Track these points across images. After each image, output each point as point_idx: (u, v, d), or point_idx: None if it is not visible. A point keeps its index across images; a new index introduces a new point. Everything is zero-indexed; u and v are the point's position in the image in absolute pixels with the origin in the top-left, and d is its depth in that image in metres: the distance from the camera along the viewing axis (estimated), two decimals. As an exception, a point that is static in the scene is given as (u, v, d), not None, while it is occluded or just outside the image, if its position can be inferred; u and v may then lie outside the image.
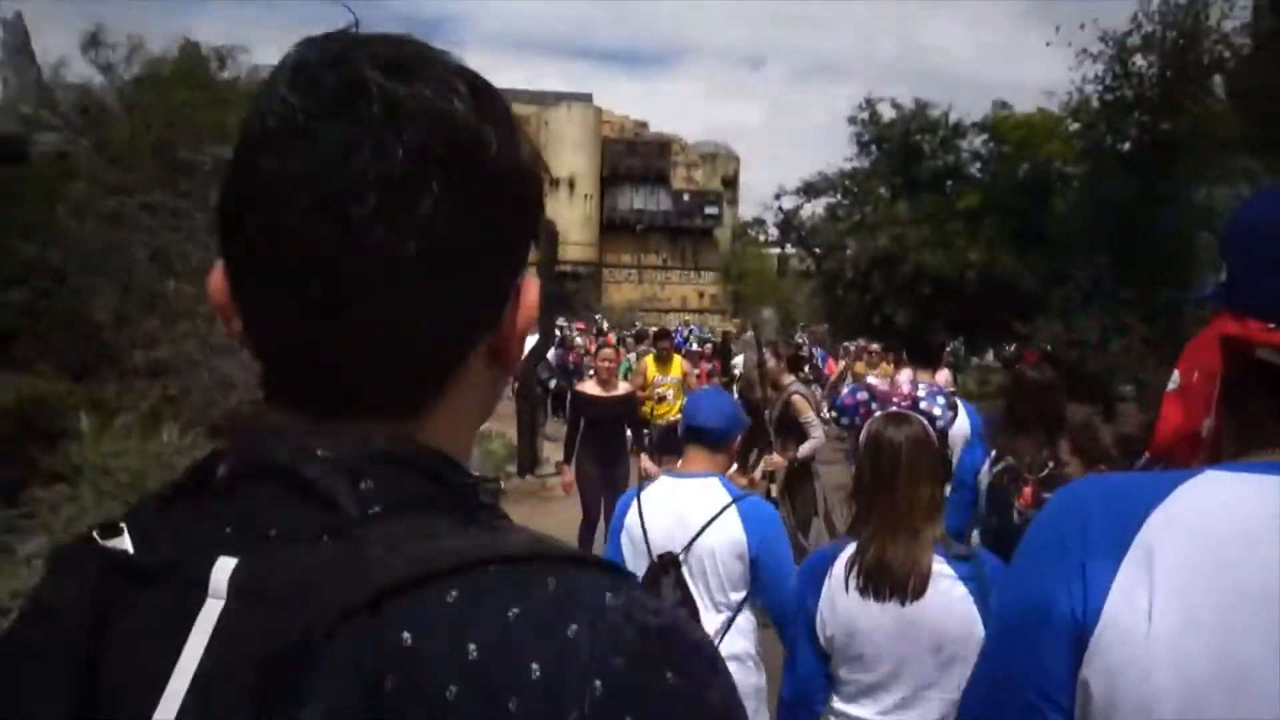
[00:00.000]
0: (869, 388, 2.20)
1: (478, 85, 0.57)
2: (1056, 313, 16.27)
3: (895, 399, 2.13)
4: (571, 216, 34.90)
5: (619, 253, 36.42)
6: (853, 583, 1.94)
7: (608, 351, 7.32)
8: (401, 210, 0.52)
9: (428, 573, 0.50)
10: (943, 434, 2.10)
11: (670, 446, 6.61)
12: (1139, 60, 15.41)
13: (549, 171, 0.64)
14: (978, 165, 21.75)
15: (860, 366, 11.04)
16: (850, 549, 1.98)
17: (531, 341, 13.73)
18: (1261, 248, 0.89)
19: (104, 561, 0.55)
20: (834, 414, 2.38)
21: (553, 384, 13.90)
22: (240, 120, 0.57)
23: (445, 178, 0.53)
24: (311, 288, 0.53)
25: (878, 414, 2.11)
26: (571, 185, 35.62)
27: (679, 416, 7.49)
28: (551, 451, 10.65)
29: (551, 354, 15.98)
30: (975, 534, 3.54)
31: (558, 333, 19.92)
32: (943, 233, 19.39)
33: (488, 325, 0.59)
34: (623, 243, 36.40)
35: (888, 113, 21.94)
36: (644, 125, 40.24)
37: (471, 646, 0.49)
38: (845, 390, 2.54)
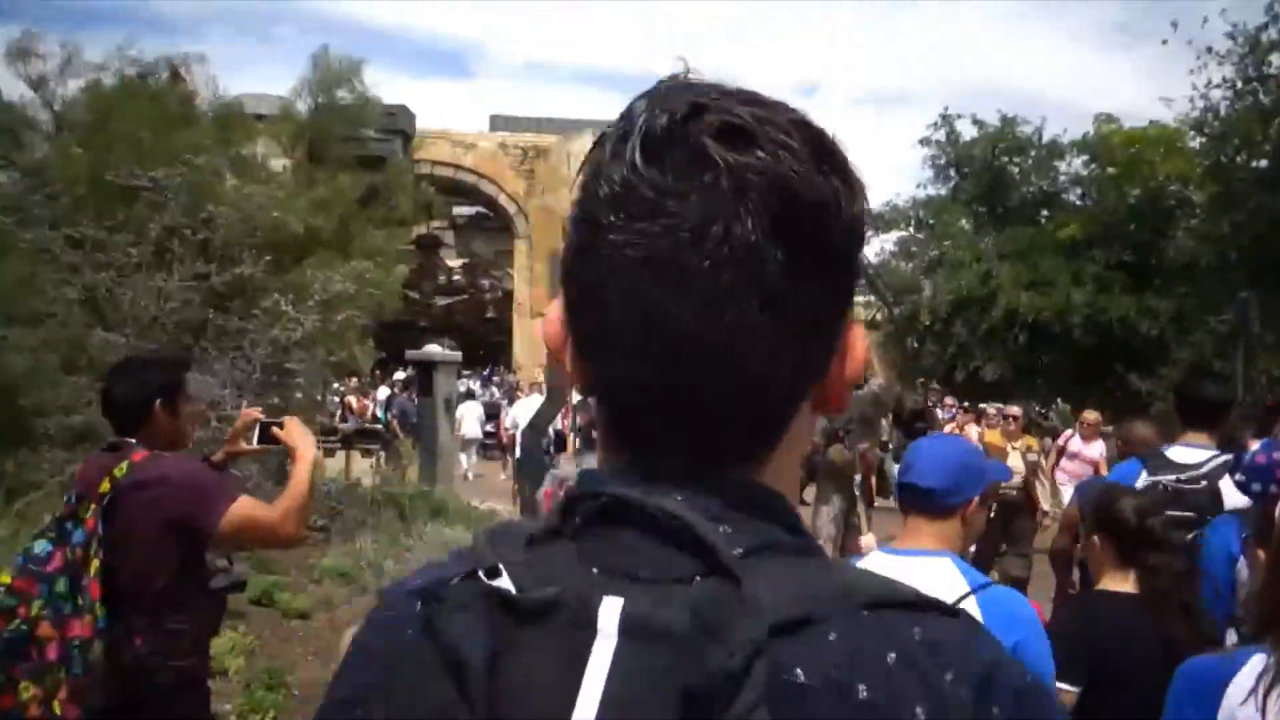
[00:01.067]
0: None
1: (815, 141, 0.65)
2: (1186, 364, 15.36)
3: None
4: (597, 259, 34.44)
5: (653, 300, 35.76)
6: (1274, 706, 1.76)
7: None
8: (751, 280, 0.62)
9: (809, 613, 0.60)
10: None
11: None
12: (1277, 59, 14.64)
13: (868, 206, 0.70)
14: (1078, 190, 21.11)
15: (994, 436, 9.34)
16: (1256, 660, 1.82)
17: (527, 407, 12.92)
18: None
19: (491, 600, 0.63)
20: (1239, 477, 2.28)
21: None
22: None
23: (789, 244, 0.63)
24: (668, 353, 0.63)
25: None
26: (598, 223, 35.25)
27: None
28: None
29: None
30: (1231, 636, 3.13)
31: (576, 395, 19.23)
32: (1039, 270, 18.73)
33: (821, 373, 0.69)
34: (657, 289, 35.69)
35: (968, 131, 21.29)
36: (681, 155, 40.00)
37: (861, 688, 0.59)
38: (1255, 447, 2.41)
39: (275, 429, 3.20)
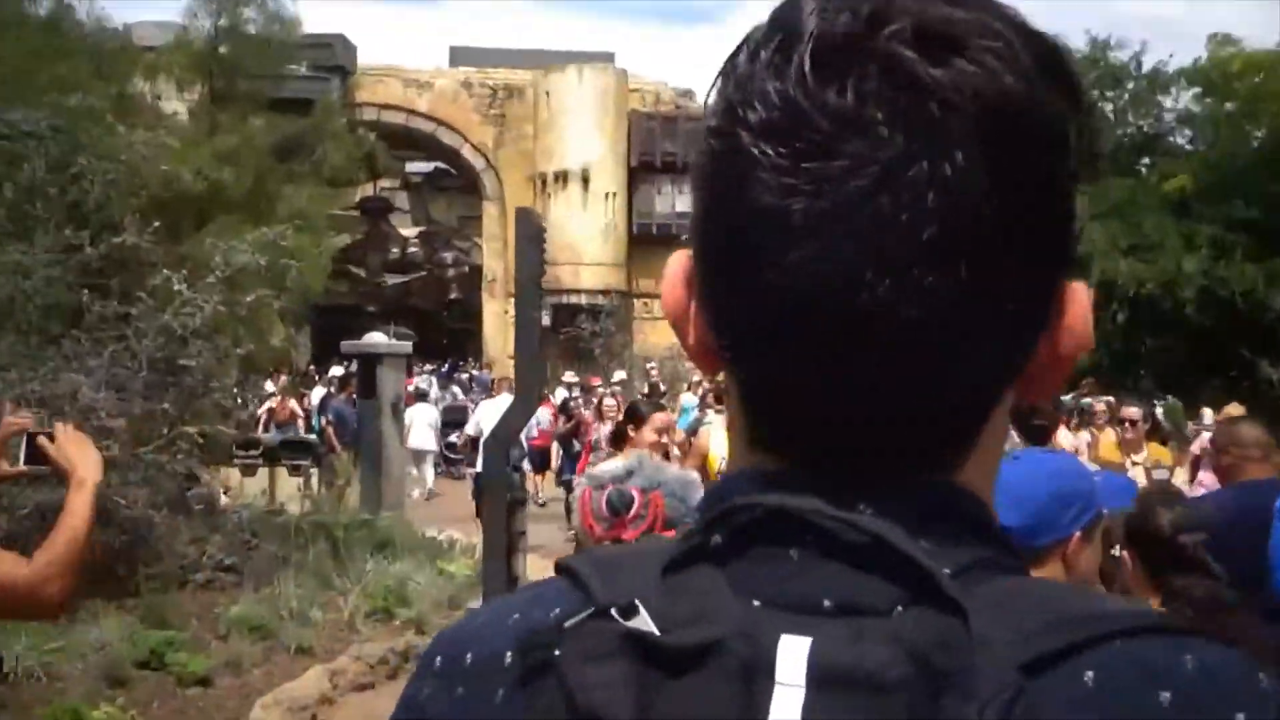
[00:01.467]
0: None
1: (1039, 48, 0.64)
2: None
3: None
4: (586, 226, 33.76)
5: (655, 275, 35.57)
6: None
7: (663, 417, 7.22)
8: (959, 235, 0.61)
9: (1058, 648, 0.61)
10: None
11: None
12: None
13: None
14: (1188, 132, 21.28)
15: (1108, 445, 9.16)
16: None
17: (496, 409, 12.79)
18: None
19: (630, 645, 0.61)
20: None
21: (526, 465, 13.16)
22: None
23: (1006, 186, 0.62)
24: (845, 332, 0.63)
25: None
26: (585, 181, 34.67)
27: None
28: (541, 572, 9.57)
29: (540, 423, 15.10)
30: None
31: (563, 392, 19.07)
32: (1140, 231, 18.84)
33: (1030, 352, 0.69)
34: (659, 260, 35.27)
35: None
36: (687, 95, 39.80)
37: None
38: None
39: (44, 441, 2.93)
